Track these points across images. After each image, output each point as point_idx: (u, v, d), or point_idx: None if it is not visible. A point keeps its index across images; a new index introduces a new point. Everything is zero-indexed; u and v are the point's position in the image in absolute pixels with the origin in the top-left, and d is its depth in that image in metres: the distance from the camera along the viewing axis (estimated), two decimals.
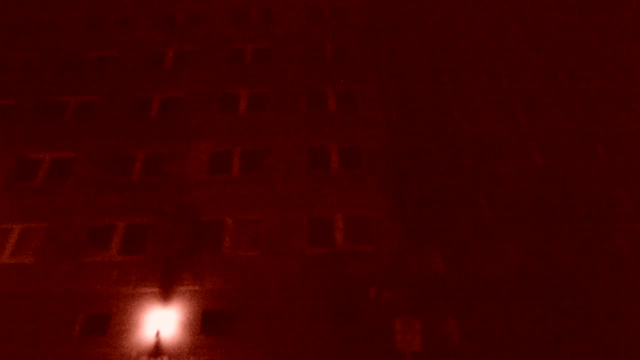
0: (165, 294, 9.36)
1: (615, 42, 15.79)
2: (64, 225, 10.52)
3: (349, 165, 11.38)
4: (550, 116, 14.01)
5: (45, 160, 11.83)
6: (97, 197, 11.00)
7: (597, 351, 9.75)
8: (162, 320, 8.91)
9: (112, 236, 10.33)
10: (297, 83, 13.09)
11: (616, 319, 10.24)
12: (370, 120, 12.09)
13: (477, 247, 11.60)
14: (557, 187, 12.47)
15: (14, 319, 9.10)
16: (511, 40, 15.49)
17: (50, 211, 10.82)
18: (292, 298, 9.32)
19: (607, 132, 13.68)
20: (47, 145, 12.07)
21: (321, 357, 8.56)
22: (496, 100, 14.02)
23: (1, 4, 15.77)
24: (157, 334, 8.71)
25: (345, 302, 9.20)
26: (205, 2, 15.64)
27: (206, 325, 8.99)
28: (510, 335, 10.19)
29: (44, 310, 9.20)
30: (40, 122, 12.73)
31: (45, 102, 13.13)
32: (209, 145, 11.79)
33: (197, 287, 9.47)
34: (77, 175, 11.47)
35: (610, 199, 12.14)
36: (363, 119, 12.15)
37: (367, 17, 14.66)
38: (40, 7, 15.89)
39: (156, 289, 9.43)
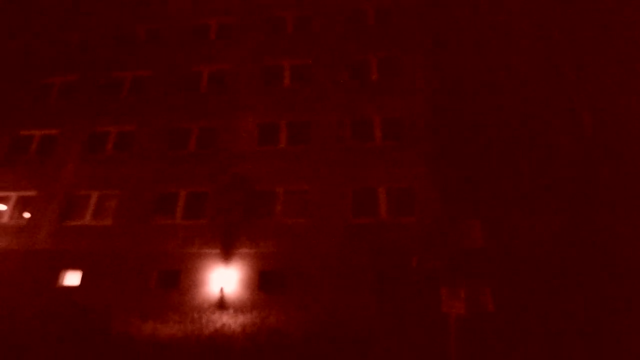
0: (226, 255, 10.50)
1: None
2: (133, 193, 11.79)
3: (391, 137, 11.60)
4: (602, 80, 13.16)
5: (111, 133, 13.00)
6: (159, 167, 12.10)
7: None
8: (224, 278, 10.11)
9: (176, 203, 11.49)
10: (339, 51, 13.09)
11: None
12: (413, 91, 12.04)
13: (517, 219, 11.72)
14: (605, 160, 12.05)
15: (100, 271, 10.68)
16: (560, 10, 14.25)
17: (120, 180, 12.10)
18: (337, 263, 10.14)
19: None
20: (112, 120, 13.19)
21: (363, 316, 9.44)
22: (544, 69, 13.30)
23: None
24: (221, 290, 9.95)
25: (388, 270, 9.89)
26: None
27: (263, 284, 10.11)
28: (541, 308, 10.57)
29: (123, 266, 10.69)
30: (102, 96, 13.80)
31: (105, 78, 14.11)
32: (256, 118, 12.37)
33: (253, 250, 10.52)
34: (139, 146, 12.57)
35: None
36: (405, 89, 12.11)
37: None
38: None
39: (217, 250, 10.59)
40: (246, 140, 12.15)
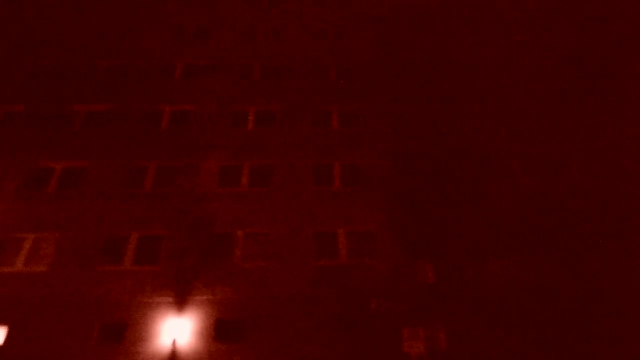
0: (180, 304, 9.88)
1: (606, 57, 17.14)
2: (77, 235, 10.87)
3: (351, 183, 12.16)
4: (536, 136, 15.18)
5: (56, 169, 12.11)
6: (109, 207, 11.38)
7: None
8: (177, 329, 9.44)
9: (126, 247, 10.76)
10: (303, 101, 13.80)
11: (609, 337, 11.28)
12: (371, 140, 12.92)
13: (467, 261, 12.59)
14: (544, 204, 13.61)
15: (30, 326, 9.43)
16: (507, 61, 16.63)
17: (63, 221, 11.14)
18: (300, 307, 10.01)
19: (586, 152, 14.94)
20: (59, 154, 12.34)
21: None
22: (489, 121, 15.09)
23: (12, 13, 15.80)
24: (174, 342, 9.24)
25: (350, 311, 9.96)
26: (214, 17, 16.14)
27: (220, 333, 9.58)
28: (494, 344, 11.18)
29: (60, 318, 9.56)
30: (50, 130, 12.96)
31: (55, 110, 13.36)
32: (218, 160, 12.35)
33: (210, 297, 10.04)
34: (89, 185, 11.81)
35: (590, 216, 13.34)
36: (365, 140, 12.96)
37: (369, 39, 15.53)
38: (51, 15, 15.99)
39: (171, 299, 9.94)
40: (207, 181, 11.99)
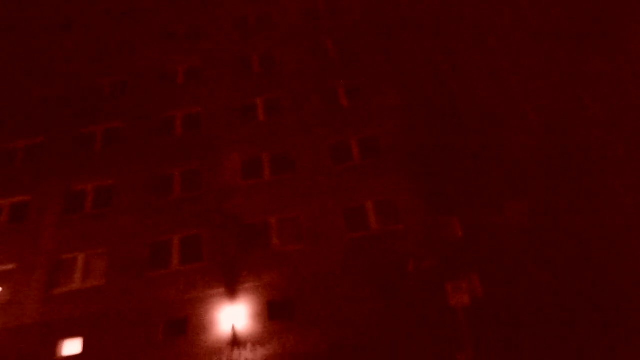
0: (231, 292, 10.62)
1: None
2: (122, 248, 11.58)
3: (369, 155, 12.54)
4: (540, 79, 15.21)
5: (88, 190, 12.73)
6: (145, 217, 12.02)
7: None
8: (233, 315, 10.20)
9: (170, 250, 11.45)
10: (308, 83, 14.00)
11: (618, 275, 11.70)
12: (381, 111, 13.17)
13: (489, 208, 13.04)
14: (553, 143, 13.84)
15: (101, 335, 10.30)
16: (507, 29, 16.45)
17: (106, 237, 11.84)
18: (339, 281, 10.64)
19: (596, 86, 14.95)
20: (87, 176, 12.93)
21: (372, 325, 9.96)
22: (491, 73, 15.13)
23: (12, 51, 16.08)
24: (233, 327, 10.02)
25: (388, 278, 10.57)
26: (205, 15, 16.19)
27: (272, 314, 10.32)
28: (526, 284, 11.78)
29: (126, 324, 10.40)
30: (73, 154, 13.51)
31: (74, 136, 13.85)
32: (238, 155, 12.79)
33: (256, 283, 10.74)
34: (120, 200, 12.43)
35: (605, 151, 13.54)
36: (375, 111, 13.22)
37: (366, 13, 15.46)
38: (46, 45, 16.22)
39: (222, 289, 10.68)
40: (231, 177, 12.49)
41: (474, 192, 13.16)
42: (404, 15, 16.05)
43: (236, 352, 9.40)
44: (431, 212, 12.59)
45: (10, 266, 11.59)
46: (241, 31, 15.68)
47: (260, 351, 9.38)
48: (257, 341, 9.75)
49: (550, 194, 13.15)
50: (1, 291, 11.26)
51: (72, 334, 10.43)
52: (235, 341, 9.83)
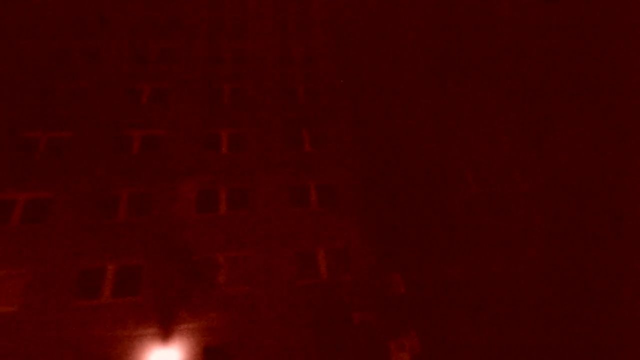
0: (165, 334, 9.90)
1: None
2: (47, 271, 10.44)
3: (326, 203, 12.84)
4: (482, 148, 16.91)
5: (19, 201, 11.50)
6: (80, 239, 11.05)
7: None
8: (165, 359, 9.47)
9: (102, 279, 10.53)
10: (274, 122, 14.27)
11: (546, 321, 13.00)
12: (342, 161, 13.72)
13: (426, 267, 13.81)
14: (488, 209, 15.23)
15: None
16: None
17: (29, 256, 10.63)
18: (286, 328, 10.46)
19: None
20: (21, 186, 11.72)
21: None
22: (441, 138, 16.58)
23: None
24: None
25: (333, 329, 10.59)
26: (178, 41, 16.11)
27: None
28: (460, 338, 12.44)
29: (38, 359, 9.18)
30: (8, 160, 12.24)
31: (13, 138, 12.63)
32: (195, 184, 12.44)
33: (195, 324, 10.16)
34: (56, 216, 11.36)
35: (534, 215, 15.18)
36: (335, 160, 13.73)
37: (335, 62, 16.38)
38: (4, 36, 14.98)
39: (155, 330, 9.93)
40: (184, 207, 12.04)
41: (416, 250, 13.92)
42: (373, 75, 17.28)
43: None
44: (379, 266, 13.04)
45: None
46: (215, 62, 15.78)
47: None
48: None
49: (486, 256, 14.28)
50: None
51: None
52: None
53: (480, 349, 12.41)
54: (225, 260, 11.33)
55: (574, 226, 15.55)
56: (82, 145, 12.80)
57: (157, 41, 15.82)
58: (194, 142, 13.46)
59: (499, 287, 13.69)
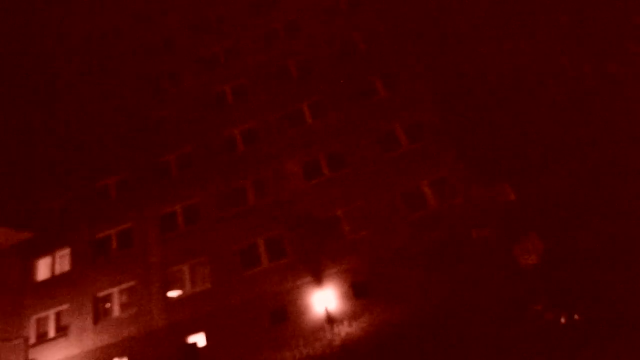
0: (317, 280, 12.31)
1: None
2: (217, 254, 13.56)
3: (416, 140, 13.58)
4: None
5: (177, 211, 14.78)
6: (231, 226, 13.88)
7: None
8: (324, 298, 11.90)
9: (257, 252, 13.29)
10: (342, 80, 15.10)
11: None
12: (423, 99, 14.08)
13: (534, 172, 13.75)
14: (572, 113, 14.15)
15: (218, 329, 12.40)
16: None
17: (201, 247, 13.86)
18: (408, 259, 11.99)
19: None
20: (172, 198, 14.95)
21: (448, 295, 11.25)
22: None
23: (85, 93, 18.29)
24: (326, 308, 11.74)
25: (455, 248, 11.77)
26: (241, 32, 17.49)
27: (357, 292, 11.92)
28: (583, 234, 12.54)
29: (235, 316, 12.42)
30: (155, 182, 15.56)
31: (151, 167, 15.87)
32: (298, 160, 14.26)
33: (337, 268, 12.35)
34: (206, 215, 14.37)
35: None
36: (412, 98, 14.14)
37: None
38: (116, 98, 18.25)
39: (309, 278, 12.39)
40: (295, 180, 14.02)
41: (517, 159, 13.89)
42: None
43: (336, 328, 11.12)
44: (482, 182, 13.55)
45: (131, 283, 13.96)
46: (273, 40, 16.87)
47: (355, 325, 11.04)
48: (350, 317, 11.43)
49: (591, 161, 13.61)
50: (129, 305, 13.66)
51: (194, 331, 12.63)
52: (331, 319, 11.56)
53: (604, 240, 12.30)
54: (343, 213, 13.14)
55: None
56: (201, 155, 15.49)
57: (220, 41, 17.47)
58: (281, 122, 15.14)
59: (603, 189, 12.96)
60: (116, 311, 13.80)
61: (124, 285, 14.04)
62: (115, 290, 14.05)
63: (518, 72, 14.96)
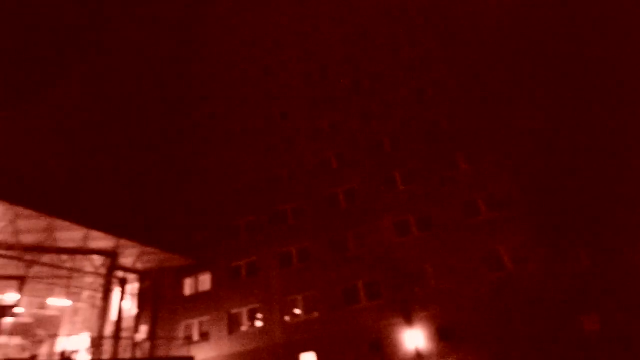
0: (407, 321, 15.25)
1: None
2: (325, 290, 17.23)
3: (494, 210, 16.23)
4: None
5: (292, 252, 18.95)
6: (336, 269, 17.55)
7: None
8: (413, 338, 14.76)
9: (357, 292, 16.71)
10: (426, 154, 18.45)
11: None
12: (500, 172, 16.82)
13: (615, 244, 15.24)
14: None
15: (327, 351, 15.80)
16: None
17: (310, 283, 17.67)
18: (487, 312, 14.40)
19: None
20: (289, 241, 19.19)
21: (521, 350, 13.41)
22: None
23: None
24: (416, 347, 14.57)
25: (525, 308, 13.97)
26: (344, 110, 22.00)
27: (442, 336, 14.60)
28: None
29: (341, 343, 15.75)
30: (274, 227, 20.03)
31: (271, 214, 20.47)
32: (391, 218, 17.69)
33: (425, 313, 15.19)
34: (315, 257, 18.28)
35: None
36: (490, 171, 16.93)
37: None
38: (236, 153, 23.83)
39: (400, 319, 15.39)
40: (387, 235, 17.40)
41: (598, 231, 15.50)
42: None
43: None
44: (556, 249, 15.55)
45: (256, 305, 18.17)
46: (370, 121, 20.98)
47: None
48: (437, 356, 14.12)
49: None
50: (255, 323, 17.79)
51: (307, 349, 16.21)
52: (421, 356, 14.34)
53: None
54: (430, 267, 16.09)
55: None
56: (313, 209, 19.68)
57: (326, 115, 22.06)
58: (376, 186, 18.81)
59: None
60: (245, 326, 18.02)
61: (250, 306, 18.31)
62: (244, 310, 18.37)
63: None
